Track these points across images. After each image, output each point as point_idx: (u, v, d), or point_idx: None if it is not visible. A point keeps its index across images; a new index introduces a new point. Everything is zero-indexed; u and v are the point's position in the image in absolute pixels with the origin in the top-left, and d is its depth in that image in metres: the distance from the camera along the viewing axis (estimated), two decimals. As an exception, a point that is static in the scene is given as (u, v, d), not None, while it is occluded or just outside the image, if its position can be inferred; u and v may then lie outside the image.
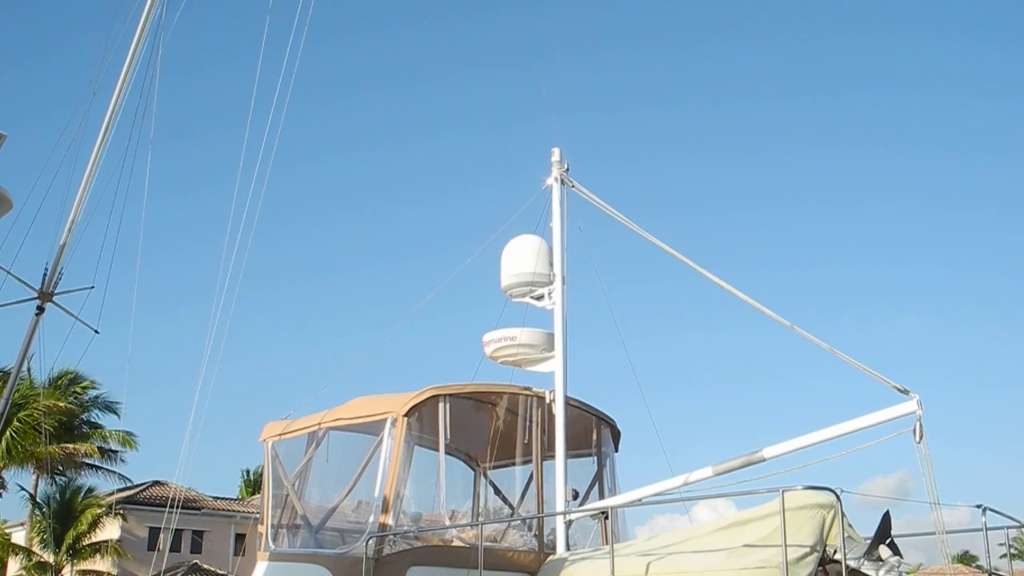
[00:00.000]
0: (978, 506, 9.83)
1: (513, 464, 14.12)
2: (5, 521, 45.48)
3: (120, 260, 12.22)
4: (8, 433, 35.73)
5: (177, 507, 24.18)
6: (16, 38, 74.19)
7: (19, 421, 35.86)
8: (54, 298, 11.63)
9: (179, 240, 71.45)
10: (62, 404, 38.31)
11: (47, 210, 11.55)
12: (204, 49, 72.29)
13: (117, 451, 43.50)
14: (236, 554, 43.63)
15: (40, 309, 11.60)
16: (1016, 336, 78.22)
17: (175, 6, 11.70)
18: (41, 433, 36.45)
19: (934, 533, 10.02)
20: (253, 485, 56.44)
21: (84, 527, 40.32)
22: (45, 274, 11.64)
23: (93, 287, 11.78)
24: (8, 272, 11.16)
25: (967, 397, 75.93)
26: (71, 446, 40.35)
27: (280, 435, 14.12)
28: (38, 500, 41.40)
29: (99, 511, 41.11)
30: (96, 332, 11.92)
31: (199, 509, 44.95)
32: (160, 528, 45.85)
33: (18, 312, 11.64)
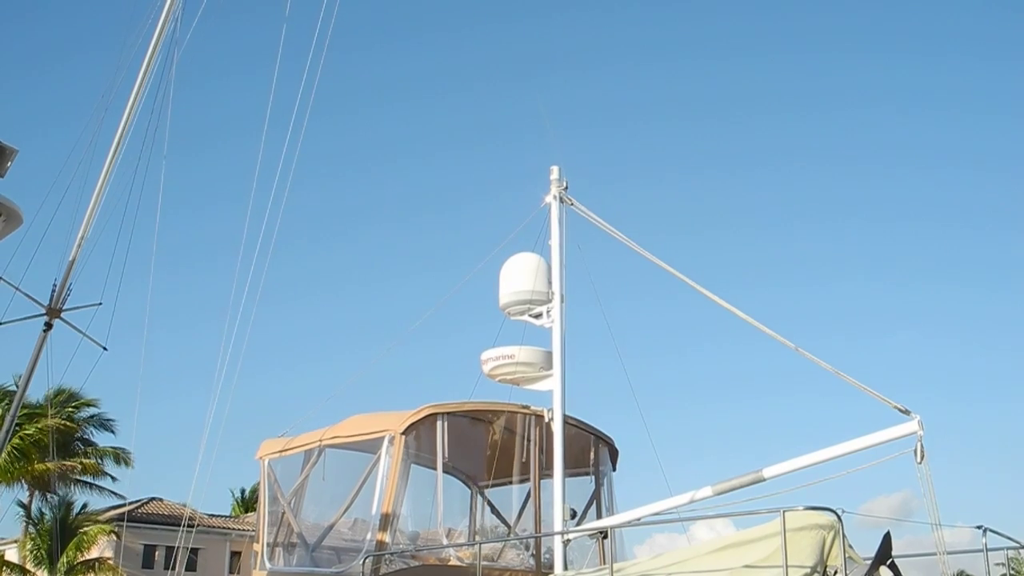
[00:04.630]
0: (979, 527, 9.79)
1: (511, 483, 14.07)
2: (2, 538, 45.30)
3: (128, 276, 12.17)
4: (8, 449, 35.57)
5: (193, 527, 24.19)
6: (29, 52, 74.43)
7: (19, 439, 35.69)
8: (62, 314, 11.56)
9: (183, 257, 71.42)
10: (63, 424, 38.11)
11: (57, 225, 11.51)
12: (215, 63, 72.35)
13: (112, 474, 43.42)
14: (231, 572, 43.42)
15: (48, 325, 11.53)
16: (1015, 353, 78.08)
17: (188, 21, 11.70)
18: (41, 451, 36.31)
19: (935, 554, 9.97)
20: (246, 503, 56.20)
21: (87, 544, 40.13)
22: (54, 290, 11.57)
23: (101, 303, 11.74)
24: (16, 288, 11.10)
25: (966, 415, 75.74)
26: (69, 463, 40.18)
27: (277, 453, 14.07)
28: (32, 517, 41.22)
29: (105, 528, 40.94)
30: (104, 349, 11.87)
31: (194, 526, 44.65)
32: (155, 545, 45.65)
33: (21, 327, 11.57)
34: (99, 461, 42.71)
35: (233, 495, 59.36)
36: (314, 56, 12.75)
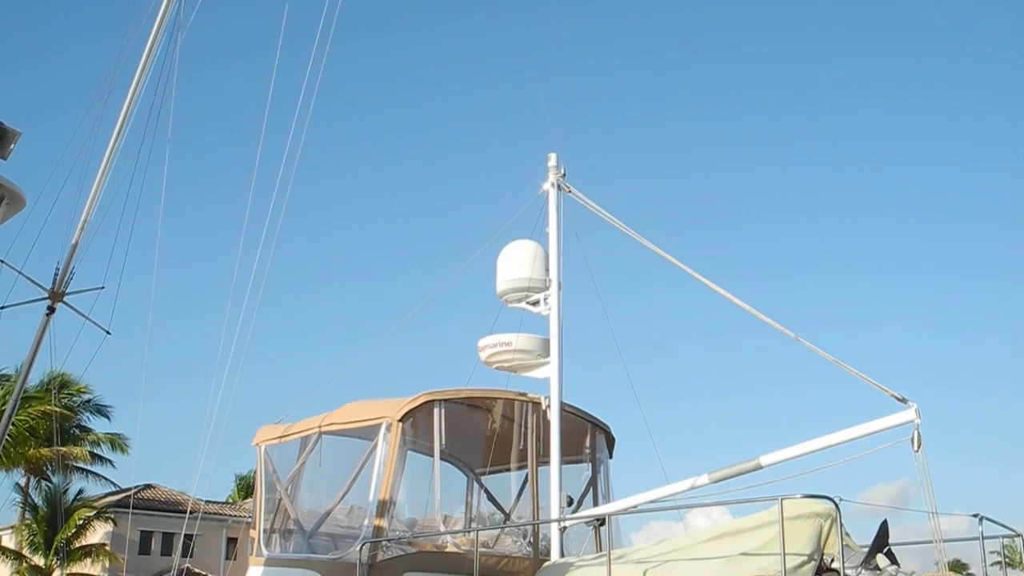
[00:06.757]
0: (975, 515, 9.80)
1: (508, 470, 14.07)
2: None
3: (130, 261, 12.11)
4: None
5: (198, 515, 24.28)
6: (33, 34, 74.13)
7: (12, 424, 35.61)
8: (65, 298, 11.48)
9: (186, 243, 71.21)
10: (58, 409, 38.03)
11: (60, 209, 11.44)
12: (220, 48, 72.17)
13: (111, 460, 43.46)
14: (228, 558, 43.44)
15: (51, 309, 11.45)
16: (1009, 342, 78.33)
17: (192, 4, 11.60)
18: (36, 437, 36.26)
19: (931, 541, 9.99)
20: (246, 489, 56.20)
21: (72, 530, 40.15)
22: (56, 274, 11.50)
23: (103, 287, 11.66)
24: (19, 272, 11.01)
25: (962, 404, 76.00)
26: (64, 449, 40.15)
27: (273, 439, 14.05)
28: (30, 504, 41.22)
29: (88, 513, 40.99)
30: (108, 333, 11.79)
31: (198, 515, 44.57)
32: (151, 532, 45.69)
33: (22, 312, 11.49)
34: (90, 447, 42.70)
35: (236, 479, 59.34)
36: (318, 45, 12.67)
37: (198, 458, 13.67)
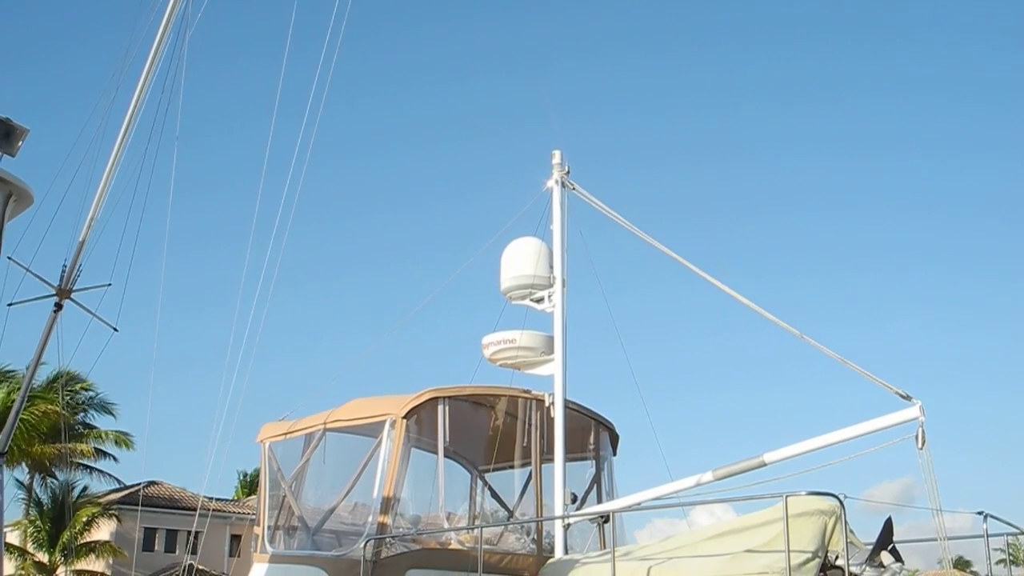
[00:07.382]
0: (979, 512, 9.80)
1: (511, 467, 14.07)
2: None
3: (137, 258, 12.09)
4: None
5: (208, 514, 24.24)
6: (41, 32, 74.19)
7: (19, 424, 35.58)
8: (72, 295, 11.49)
9: (194, 240, 71.25)
10: (59, 410, 38.04)
11: (67, 206, 11.42)
12: (227, 45, 72.11)
13: (115, 456, 43.54)
14: (232, 555, 43.48)
15: (58, 306, 11.46)
16: (1010, 340, 78.27)
17: (199, 1, 11.56)
18: (40, 434, 36.28)
19: (936, 539, 9.98)
20: (250, 486, 56.22)
21: (78, 527, 40.24)
22: (63, 271, 11.50)
23: (111, 284, 11.65)
24: (26, 269, 11.00)
25: (966, 402, 75.93)
26: (70, 446, 40.19)
27: (278, 436, 14.06)
28: (34, 500, 41.30)
29: (93, 511, 41.08)
30: (115, 330, 11.78)
31: (208, 513, 44.57)
32: (155, 529, 45.73)
33: (29, 310, 11.48)
34: (95, 443, 42.76)
35: (240, 476, 59.34)
36: (328, 43, 12.64)
37: (206, 456, 13.67)
